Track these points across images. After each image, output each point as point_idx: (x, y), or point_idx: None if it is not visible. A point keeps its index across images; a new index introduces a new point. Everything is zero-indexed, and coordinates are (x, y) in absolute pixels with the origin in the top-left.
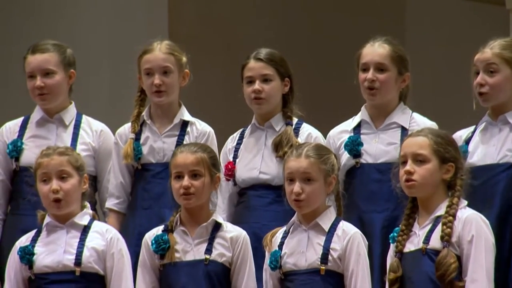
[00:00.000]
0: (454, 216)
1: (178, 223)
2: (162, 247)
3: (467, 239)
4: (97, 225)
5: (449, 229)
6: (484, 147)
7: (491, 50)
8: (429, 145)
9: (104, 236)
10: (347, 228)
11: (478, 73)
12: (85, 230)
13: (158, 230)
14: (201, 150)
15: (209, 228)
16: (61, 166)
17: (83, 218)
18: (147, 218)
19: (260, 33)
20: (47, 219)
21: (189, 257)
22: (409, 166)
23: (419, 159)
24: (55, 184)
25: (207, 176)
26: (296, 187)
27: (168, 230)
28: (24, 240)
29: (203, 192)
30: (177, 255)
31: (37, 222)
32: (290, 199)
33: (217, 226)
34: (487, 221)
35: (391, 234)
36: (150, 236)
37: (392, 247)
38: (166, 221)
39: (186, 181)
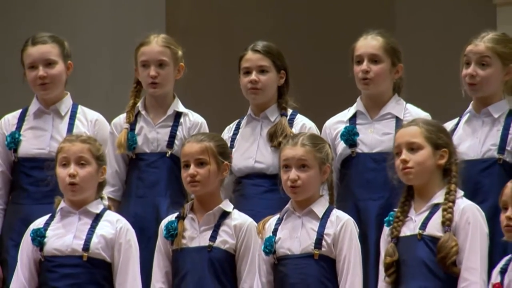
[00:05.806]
0: (453, 202)
1: (189, 211)
2: (171, 234)
3: (463, 229)
4: (109, 214)
5: (450, 215)
6: (468, 139)
7: (484, 43)
8: (421, 133)
9: (114, 226)
10: (340, 215)
11: (468, 64)
12: (97, 218)
13: (172, 217)
14: (208, 139)
15: (216, 215)
16: (81, 152)
17: (97, 207)
18: (142, 206)
19: (257, 25)
20: (62, 204)
21: (195, 244)
22: (404, 155)
23: (413, 147)
24: (72, 169)
25: (213, 164)
26: (292, 174)
27: (179, 217)
28: (37, 223)
29: (209, 179)
30: (184, 241)
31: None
32: (285, 186)
33: (224, 214)
34: (483, 212)
35: (386, 218)
36: (164, 222)
37: (386, 230)
38: (161, 209)
39: (192, 169)
